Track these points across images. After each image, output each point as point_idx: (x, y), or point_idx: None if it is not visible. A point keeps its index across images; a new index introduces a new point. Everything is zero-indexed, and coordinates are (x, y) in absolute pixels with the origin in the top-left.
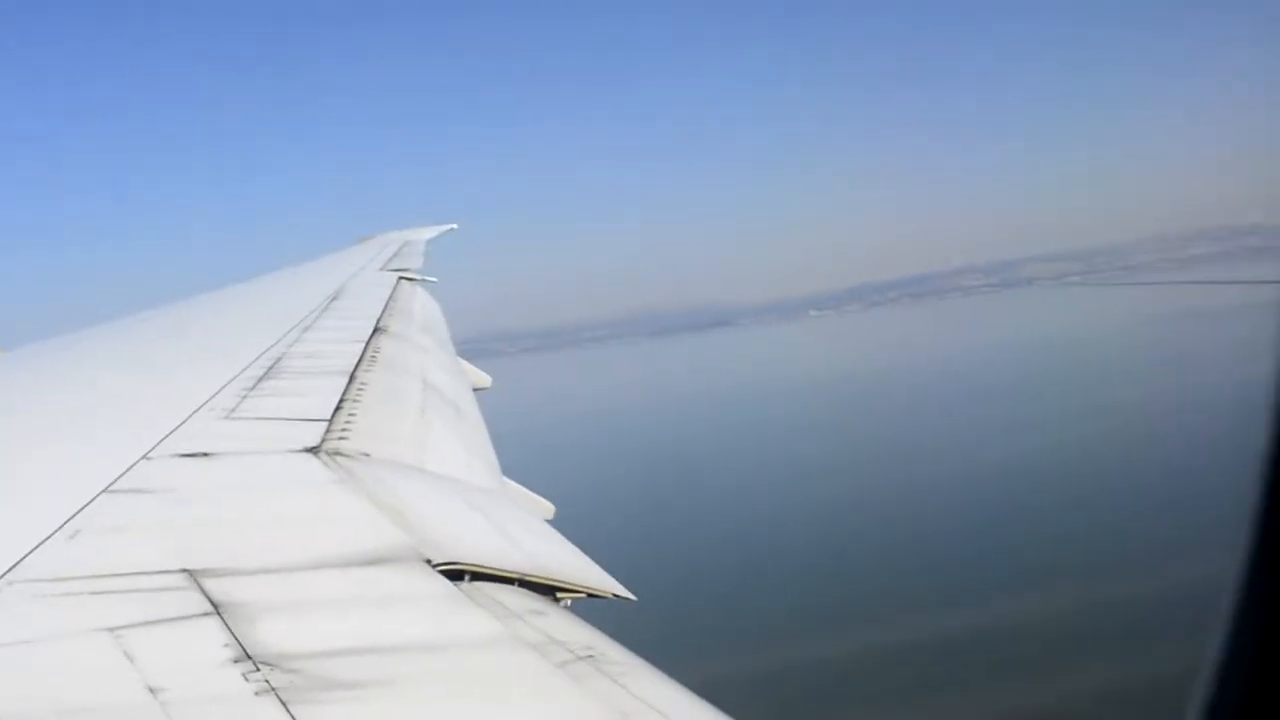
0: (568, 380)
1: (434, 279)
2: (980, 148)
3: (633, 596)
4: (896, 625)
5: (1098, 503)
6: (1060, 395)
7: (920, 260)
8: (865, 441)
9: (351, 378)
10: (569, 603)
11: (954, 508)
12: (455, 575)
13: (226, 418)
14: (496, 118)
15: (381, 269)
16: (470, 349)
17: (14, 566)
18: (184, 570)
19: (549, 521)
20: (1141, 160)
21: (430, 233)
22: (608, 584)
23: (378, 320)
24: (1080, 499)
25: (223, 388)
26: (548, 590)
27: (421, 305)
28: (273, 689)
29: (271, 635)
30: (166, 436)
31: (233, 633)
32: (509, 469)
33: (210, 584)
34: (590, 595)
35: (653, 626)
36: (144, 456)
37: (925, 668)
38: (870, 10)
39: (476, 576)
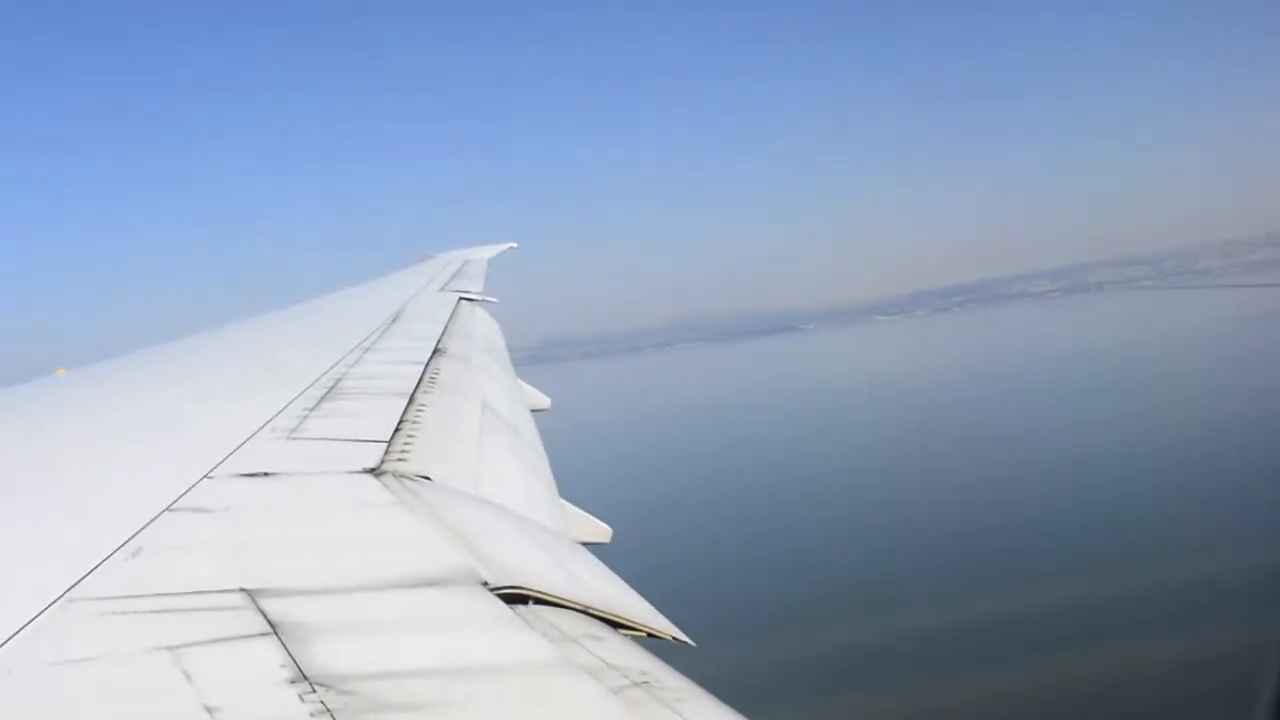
0: (629, 387)
1: (494, 299)
2: (1045, 151)
3: (692, 642)
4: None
5: (1180, 499)
6: (1136, 396)
7: (984, 265)
8: (954, 449)
9: (411, 399)
10: (628, 637)
11: (1045, 512)
12: (512, 600)
13: (287, 438)
14: (555, 129)
15: (442, 289)
16: (532, 356)
17: (76, 584)
18: (242, 590)
19: (606, 545)
20: (1209, 165)
21: (490, 251)
22: (666, 627)
23: (437, 341)
24: (1161, 494)
25: (284, 408)
26: (606, 624)
27: (481, 326)
28: (328, 710)
29: (328, 656)
30: (228, 456)
31: (289, 653)
32: (568, 488)
33: (268, 604)
34: (650, 635)
35: (709, 654)
36: (206, 475)
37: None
38: (933, 12)
39: (534, 602)
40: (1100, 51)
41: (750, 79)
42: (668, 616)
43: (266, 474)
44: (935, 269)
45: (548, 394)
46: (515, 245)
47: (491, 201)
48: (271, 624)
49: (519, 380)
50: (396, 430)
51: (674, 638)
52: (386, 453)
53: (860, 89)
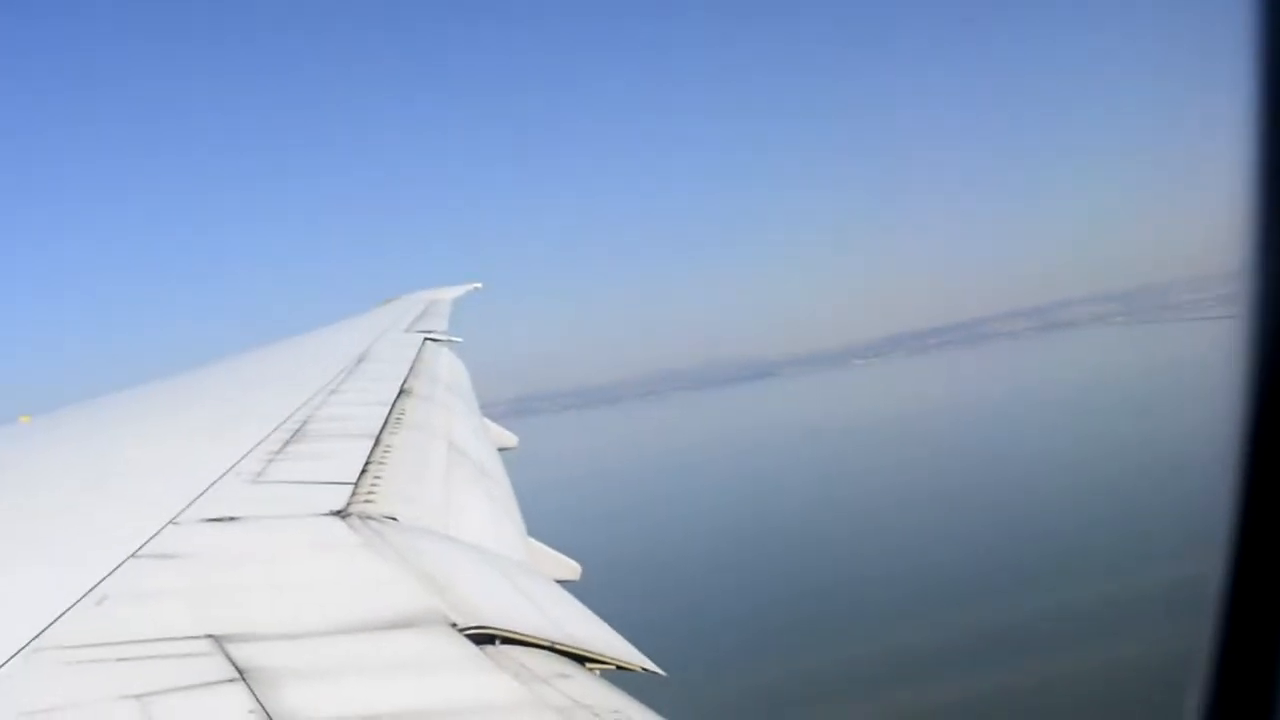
0: (608, 436)
1: (459, 339)
2: (1013, 193)
3: (662, 672)
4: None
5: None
6: (1119, 433)
7: (958, 307)
8: (935, 487)
9: (377, 440)
10: (597, 673)
11: (1031, 554)
12: (481, 640)
13: (253, 482)
14: (524, 178)
15: (407, 330)
16: (512, 409)
17: (42, 633)
18: (209, 636)
19: (575, 582)
20: (1178, 199)
21: (455, 292)
22: (636, 658)
23: (403, 382)
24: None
25: (249, 452)
26: (575, 659)
27: (447, 366)
28: None
29: (297, 701)
30: (193, 501)
31: (257, 699)
32: (539, 528)
33: (235, 649)
34: (619, 668)
35: (679, 692)
36: (171, 521)
37: None
38: (908, 53)
39: (502, 641)
40: (1063, 87)
41: (722, 124)
42: (639, 649)
43: (233, 518)
44: (910, 311)
45: (517, 435)
46: (480, 286)
47: (460, 254)
48: (239, 670)
49: (485, 419)
50: (363, 471)
51: (643, 668)
52: (353, 494)
53: (830, 134)
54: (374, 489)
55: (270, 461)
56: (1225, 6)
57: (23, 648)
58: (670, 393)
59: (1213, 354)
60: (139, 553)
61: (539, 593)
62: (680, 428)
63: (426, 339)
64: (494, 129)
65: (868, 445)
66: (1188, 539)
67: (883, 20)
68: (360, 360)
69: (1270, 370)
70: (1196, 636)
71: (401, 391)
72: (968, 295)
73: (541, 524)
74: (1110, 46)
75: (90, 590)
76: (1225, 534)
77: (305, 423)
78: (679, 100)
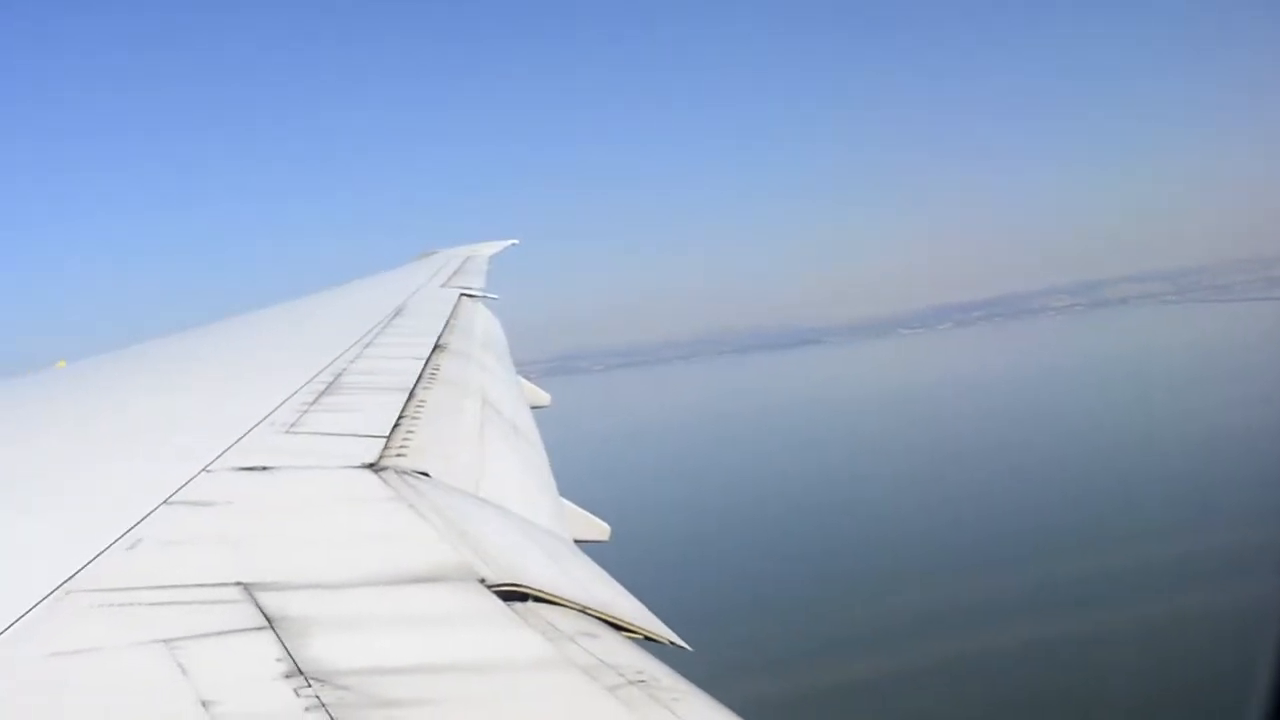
0: (649, 397)
1: (495, 295)
2: (1064, 167)
3: (688, 646)
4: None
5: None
6: (1160, 408)
7: (1005, 280)
8: (971, 460)
9: (411, 395)
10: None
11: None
12: (509, 597)
13: (287, 432)
14: (577, 139)
15: (443, 285)
16: (551, 368)
17: (74, 575)
18: (239, 583)
19: (604, 543)
20: (1228, 179)
21: (493, 248)
22: (663, 630)
23: (438, 337)
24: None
25: (284, 402)
26: (602, 623)
27: (483, 322)
28: (323, 705)
29: (324, 651)
30: (227, 450)
31: (285, 647)
32: (572, 488)
33: (264, 597)
34: (646, 638)
35: (704, 660)
36: (204, 469)
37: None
38: (959, 30)
39: (531, 600)
40: (1120, 63)
41: (773, 91)
42: (664, 620)
43: (265, 468)
44: (958, 283)
45: (555, 394)
46: (518, 242)
47: (508, 208)
48: (268, 618)
49: (519, 377)
50: (396, 425)
51: (670, 642)
52: (385, 448)
53: (882, 104)
54: (406, 443)
55: (304, 412)
56: None
57: (55, 589)
58: (714, 355)
59: (1263, 335)
60: (171, 499)
61: (567, 557)
62: (721, 391)
63: (462, 295)
64: (559, 86)
65: (909, 415)
66: (1238, 511)
67: None
68: (396, 314)
69: None
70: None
71: (436, 347)
72: (1017, 269)
73: (574, 483)
74: (1173, 29)
75: (123, 535)
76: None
77: (340, 375)
78: (742, 62)
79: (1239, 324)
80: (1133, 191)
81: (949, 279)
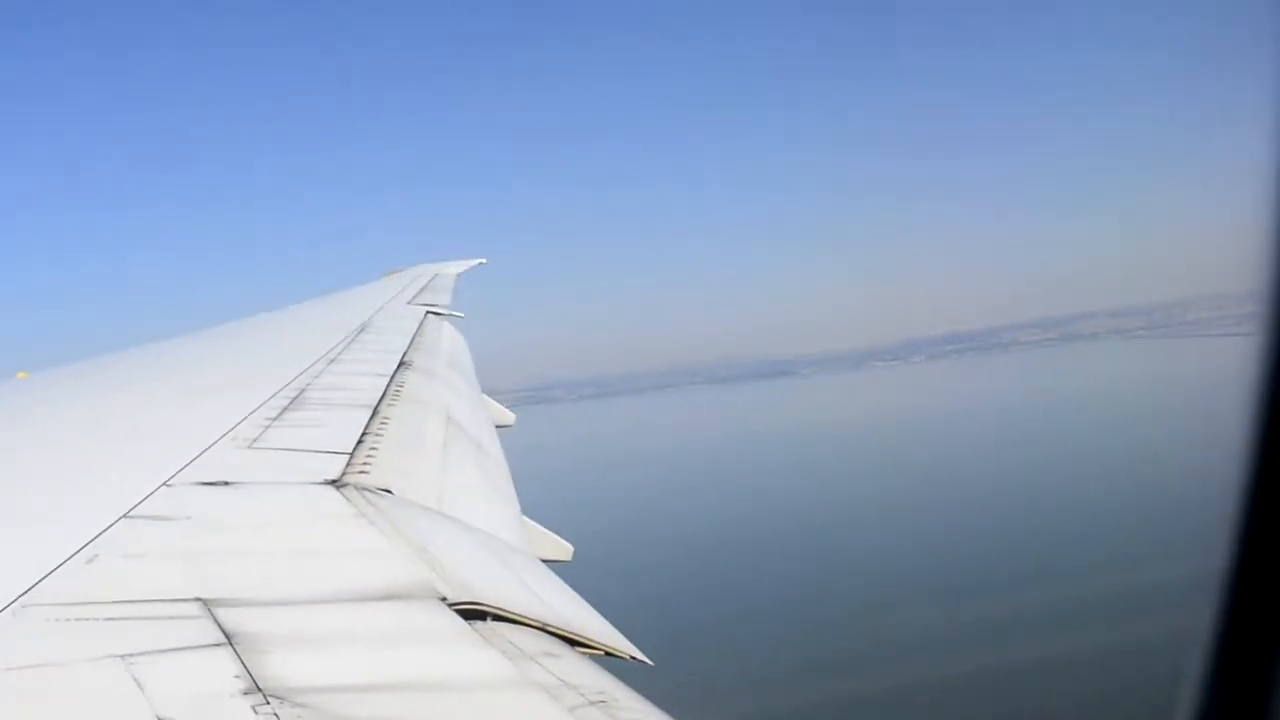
0: (619, 427)
1: (460, 314)
2: (1035, 203)
3: (650, 661)
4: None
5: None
6: (1129, 442)
7: (978, 314)
8: (942, 490)
9: (375, 411)
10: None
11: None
12: (471, 615)
13: (249, 447)
14: (547, 174)
15: (409, 303)
16: (528, 397)
17: (30, 589)
18: (198, 599)
19: (567, 563)
20: (1201, 219)
21: (459, 267)
22: (625, 646)
23: (403, 354)
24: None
25: (246, 417)
26: (564, 642)
27: (449, 340)
28: None
29: (282, 668)
30: (188, 464)
31: (244, 664)
32: (540, 511)
33: (223, 614)
34: (608, 654)
35: (666, 682)
36: (164, 483)
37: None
38: (934, 61)
39: (492, 618)
40: (1091, 102)
41: (746, 128)
42: (627, 637)
43: (226, 483)
44: (930, 317)
45: (525, 419)
46: (485, 261)
47: (479, 233)
48: (227, 634)
49: (485, 396)
50: (359, 442)
51: (632, 657)
52: (348, 464)
53: (855, 139)
54: (369, 460)
55: (267, 428)
56: (1253, 28)
57: (10, 603)
58: (688, 386)
59: (1228, 371)
60: (131, 513)
61: (530, 573)
62: (693, 421)
63: (429, 312)
64: (522, 114)
65: (878, 447)
66: (1190, 542)
67: (906, 28)
68: (361, 330)
69: None
70: (1195, 636)
71: (401, 364)
72: (988, 304)
73: (540, 506)
74: (1139, 62)
75: (81, 549)
76: (1228, 540)
77: (303, 390)
78: (710, 95)
79: (1209, 359)
80: (1104, 227)
81: (921, 312)
